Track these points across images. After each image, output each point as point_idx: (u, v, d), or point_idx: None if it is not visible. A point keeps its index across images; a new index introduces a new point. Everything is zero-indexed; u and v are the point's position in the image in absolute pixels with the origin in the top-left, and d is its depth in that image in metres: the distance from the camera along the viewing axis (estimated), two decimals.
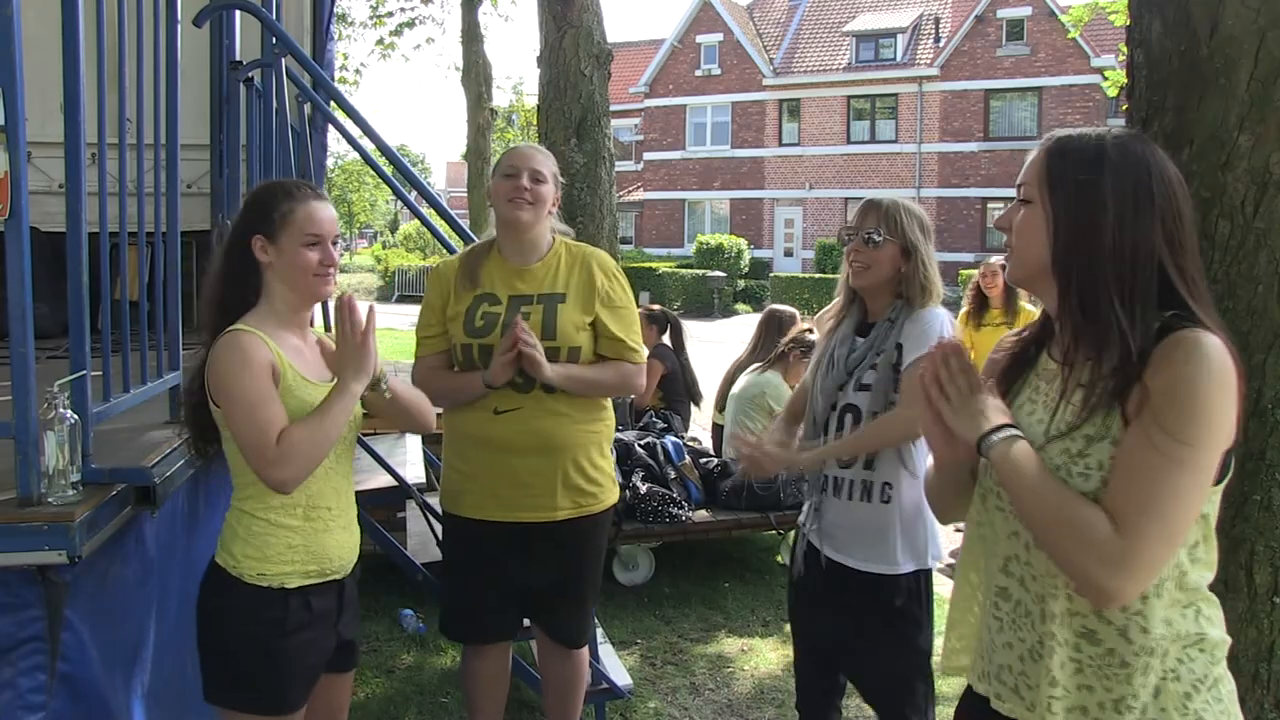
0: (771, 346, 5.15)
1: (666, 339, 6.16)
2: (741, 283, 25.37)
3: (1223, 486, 1.36)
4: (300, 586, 1.95)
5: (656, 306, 6.43)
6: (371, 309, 1.99)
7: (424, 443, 4.53)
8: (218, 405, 1.91)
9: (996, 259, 5.30)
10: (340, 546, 2.02)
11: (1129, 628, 1.34)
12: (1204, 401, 1.27)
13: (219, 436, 2.00)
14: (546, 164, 2.53)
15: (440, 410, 2.51)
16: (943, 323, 2.30)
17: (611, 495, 2.65)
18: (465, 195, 19.39)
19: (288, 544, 1.94)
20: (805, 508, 2.49)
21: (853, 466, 2.35)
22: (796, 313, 5.61)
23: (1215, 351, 1.28)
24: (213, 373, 1.89)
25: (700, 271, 24.25)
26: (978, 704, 1.50)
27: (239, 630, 1.93)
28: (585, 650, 2.79)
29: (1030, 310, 5.02)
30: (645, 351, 2.61)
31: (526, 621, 2.82)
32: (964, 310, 5.60)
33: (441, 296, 2.56)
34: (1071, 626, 1.37)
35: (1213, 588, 1.47)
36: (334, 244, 2.02)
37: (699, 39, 30.47)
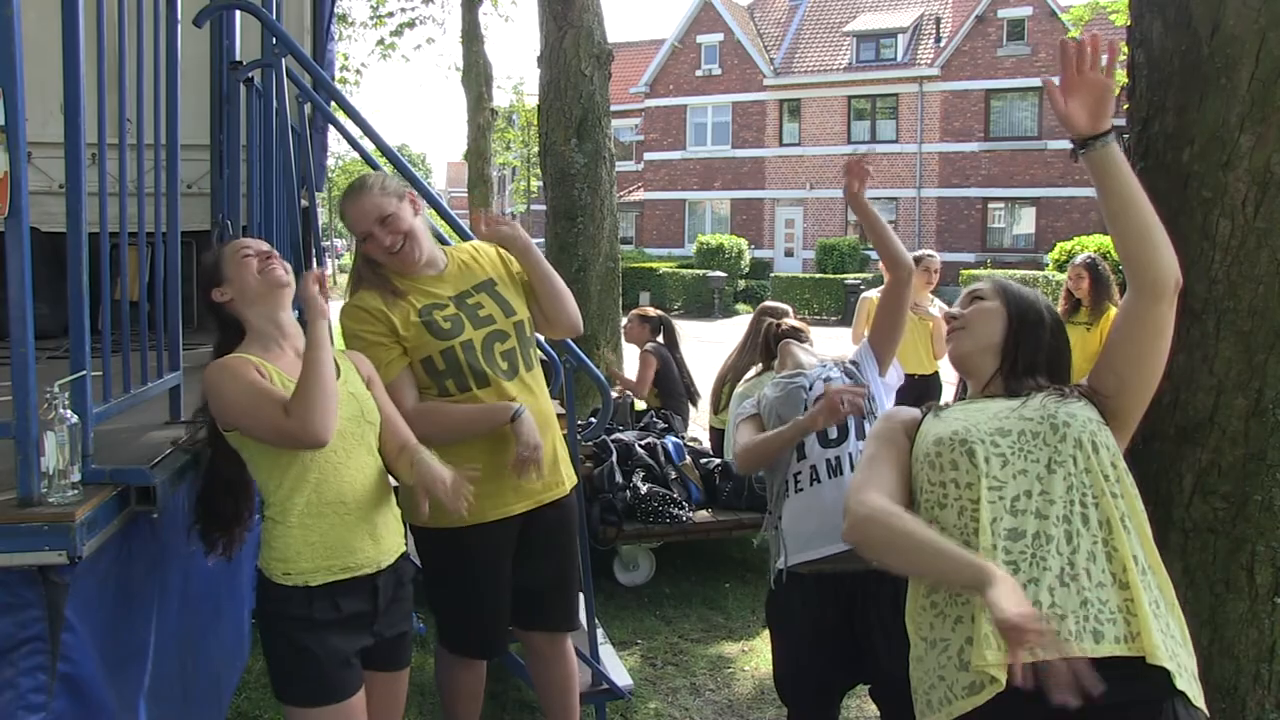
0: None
1: (659, 340, 6.18)
2: (742, 283, 25.35)
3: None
4: (326, 584, 2.02)
5: (652, 310, 6.43)
6: (323, 273, 2.10)
7: None
8: (226, 426, 2.01)
9: (1080, 257, 5.41)
10: (361, 540, 2.06)
11: None
12: None
13: (249, 506, 2.13)
14: (380, 198, 2.40)
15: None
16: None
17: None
18: (465, 195, 19.37)
19: (305, 541, 2.01)
20: (783, 531, 2.44)
21: (845, 441, 2.40)
22: (789, 309, 5.60)
23: None
24: (208, 398, 2.01)
25: (701, 272, 24.22)
26: None
27: (274, 628, 2.05)
28: (573, 641, 2.80)
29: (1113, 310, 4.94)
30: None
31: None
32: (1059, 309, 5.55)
33: (384, 324, 2.41)
34: None
35: (1213, 588, 1.50)
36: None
37: (699, 39, 30.46)
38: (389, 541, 2.14)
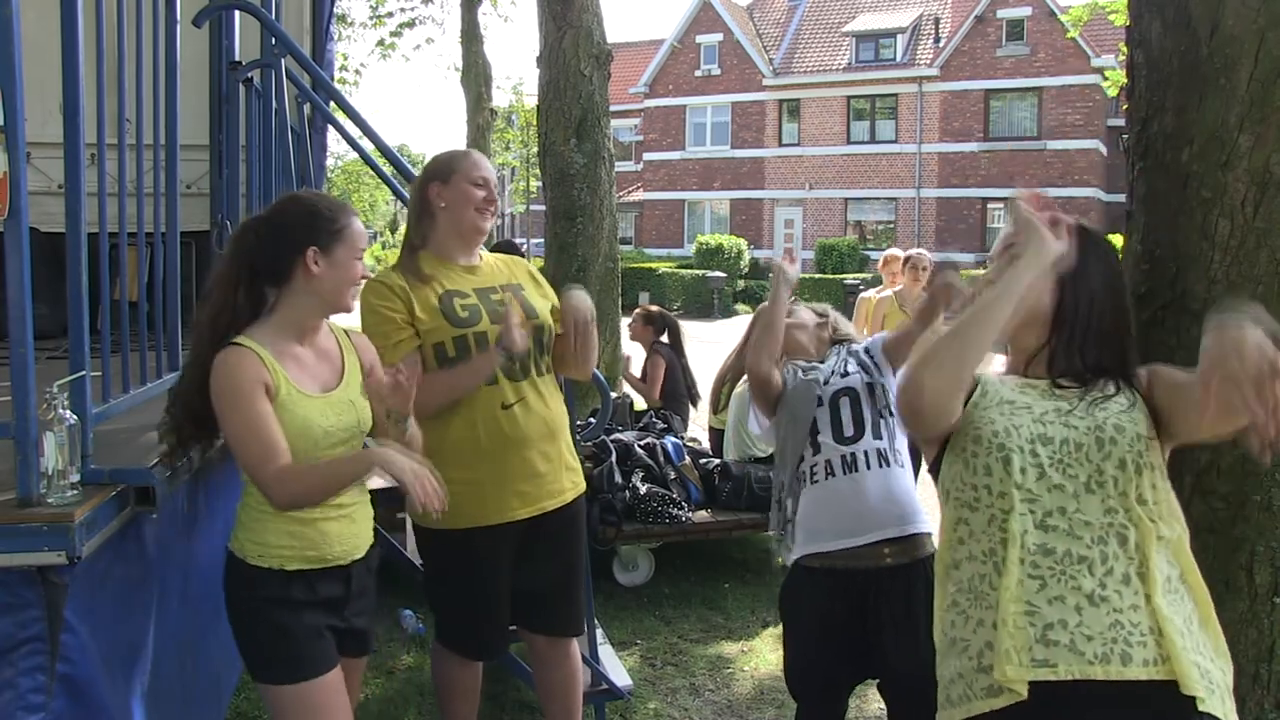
0: None
1: (664, 339, 6.17)
2: (741, 283, 25.33)
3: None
4: (301, 570, 2.02)
5: (655, 308, 6.43)
6: (415, 369, 2.12)
7: None
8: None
9: None
10: (339, 535, 2.06)
11: None
12: None
13: (215, 430, 2.01)
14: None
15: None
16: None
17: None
18: None
19: (285, 530, 2.01)
20: (795, 522, 2.45)
21: (861, 439, 2.41)
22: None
23: None
24: (213, 389, 1.92)
25: (700, 272, 24.21)
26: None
27: (247, 608, 2.03)
28: (578, 645, 2.78)
29: None
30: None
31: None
32: None
33: (402, 302, 2.43)
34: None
35: (1213, 588, 1.49)
36: None
37: (699, 39, 30.46)
38: (364, 533, 2.15)
